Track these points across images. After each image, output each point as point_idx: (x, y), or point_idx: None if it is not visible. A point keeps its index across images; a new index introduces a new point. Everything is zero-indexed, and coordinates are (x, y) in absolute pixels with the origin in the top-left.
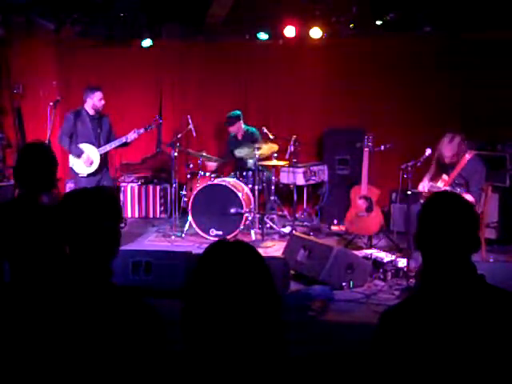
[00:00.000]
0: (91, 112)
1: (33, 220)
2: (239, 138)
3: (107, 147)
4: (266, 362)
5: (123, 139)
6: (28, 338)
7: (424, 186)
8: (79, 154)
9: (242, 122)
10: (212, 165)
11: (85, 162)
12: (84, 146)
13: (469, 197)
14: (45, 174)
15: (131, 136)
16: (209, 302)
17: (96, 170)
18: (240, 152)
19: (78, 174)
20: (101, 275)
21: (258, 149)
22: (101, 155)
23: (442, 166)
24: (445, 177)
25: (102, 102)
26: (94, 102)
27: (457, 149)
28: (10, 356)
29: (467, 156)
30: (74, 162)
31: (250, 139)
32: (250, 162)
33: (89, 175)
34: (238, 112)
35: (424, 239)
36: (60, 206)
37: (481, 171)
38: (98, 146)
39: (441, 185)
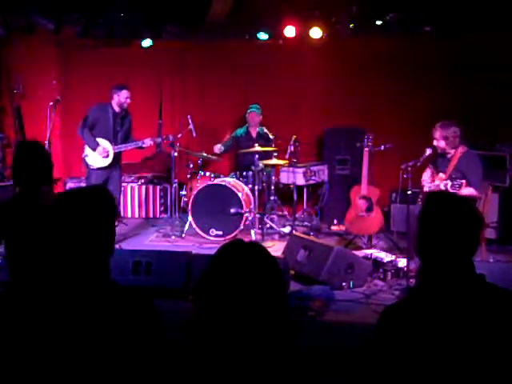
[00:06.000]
0: (116, 109)
1: (32, 217)
2: (253, 135)
3: (123, 147)
4: (275, 360)
5: (139, 143)
6: (27, 336)
7: (425, 180)
8: (95, 146)
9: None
10: (219, 148)
11: (100, 153)
12: (100, 141)
13: (470, 190)
14: (41, 170)
15: (147, 142)
16: (222, 302)
17: (108, 165)
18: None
19: (89, 165)
20: (98, 274)
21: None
22: (115, 152)
23: (438, 162)
24: (441, 175)
25: (128, 100)
26: (119, 99)
27: (448, 135)
28: (10, 354)
29: (460, 150)
30: (88, 153)
31: (263, 140)
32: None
33: (99, 168)
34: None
35: (426, 242)
36: (54, 206)
37: (476, 163)
38: (115, 143)
39: (438, 182)
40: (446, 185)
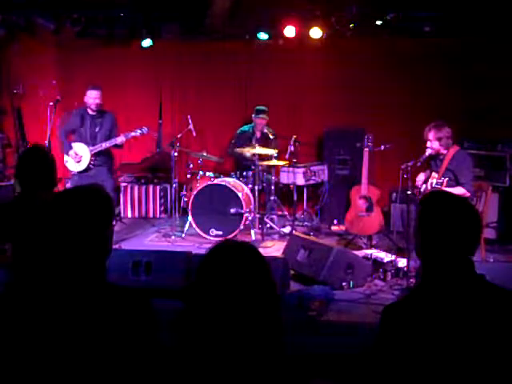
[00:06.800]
0: (90, 111)
1: (33, 218)
2: (258, 135)
3: (98, 147)
4: (264, 360)
5: (113, 141)
6: (23, 337)
7: (419, 180)
8: (66, 151)
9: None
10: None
11: (72, 157)
12: (75, 145)
13: (460, 189)
14: (45, 174)
15: (119, 139)
16: (211, 301)
17: (87, 168)
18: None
19: (70, 171)
20: (94, 274)
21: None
22: (95, 153)
23: (432, 164)
24: (434, 174)
25: (97, 100)
26: (87, 99)
27: (442, 136)
28: (6, 355)
29: (452, 151)
30: (66, 159)
31: (267, 139)
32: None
33: (80, 172)
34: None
35: (426, 241)
36: (50, 206)
37: (468, 162)
38: (93, 145)
39: (432, 181)
40: (431, 184)
